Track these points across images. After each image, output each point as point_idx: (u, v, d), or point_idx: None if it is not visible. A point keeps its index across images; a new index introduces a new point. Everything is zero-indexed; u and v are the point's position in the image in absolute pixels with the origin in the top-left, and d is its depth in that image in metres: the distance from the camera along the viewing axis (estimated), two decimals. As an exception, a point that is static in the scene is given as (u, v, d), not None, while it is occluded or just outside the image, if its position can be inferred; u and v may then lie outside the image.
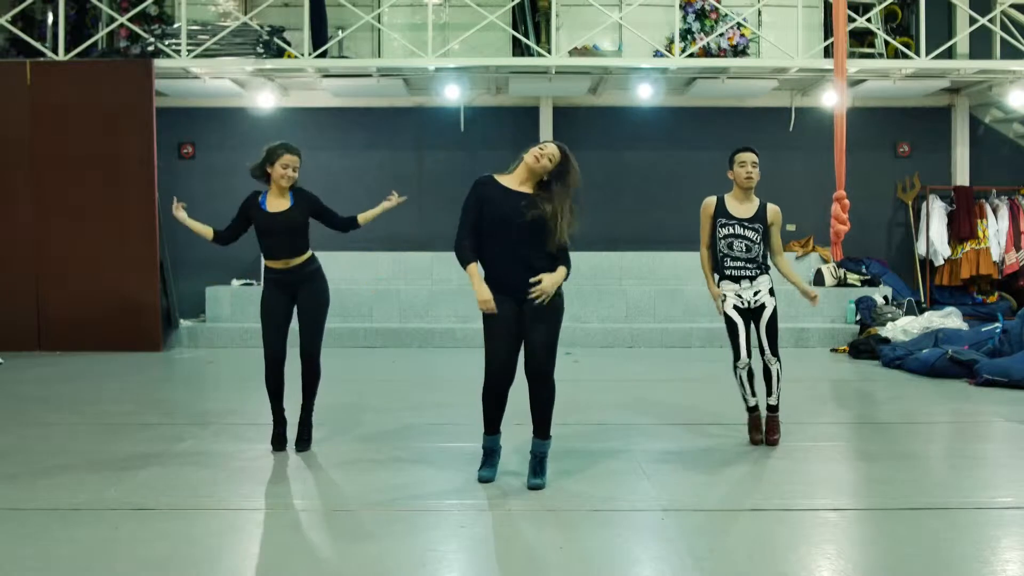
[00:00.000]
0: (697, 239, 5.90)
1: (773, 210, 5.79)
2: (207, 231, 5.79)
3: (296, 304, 5.67)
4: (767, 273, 5.77)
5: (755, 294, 5.70)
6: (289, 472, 5.22)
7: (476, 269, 4.75)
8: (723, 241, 5.70)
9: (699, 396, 7.46)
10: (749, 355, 5.71)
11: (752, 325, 5.72)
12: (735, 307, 5.70)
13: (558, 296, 4.78)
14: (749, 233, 5.68)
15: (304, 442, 5.67)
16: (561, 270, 4.80)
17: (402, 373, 9.29)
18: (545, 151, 4.82)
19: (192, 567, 3.65)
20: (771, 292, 5.75)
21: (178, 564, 3.66)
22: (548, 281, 4.69)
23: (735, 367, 5.75)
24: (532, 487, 4.71)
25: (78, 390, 8.19)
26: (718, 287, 5.78)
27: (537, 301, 4.67)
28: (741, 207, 5.72)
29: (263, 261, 5.75)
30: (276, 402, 5.63)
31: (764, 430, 5.83)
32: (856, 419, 7.11)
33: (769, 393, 5.82)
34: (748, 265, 5.69)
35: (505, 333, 4.70)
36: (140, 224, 10.82)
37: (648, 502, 4.54)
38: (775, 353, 5.74)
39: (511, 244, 4.72)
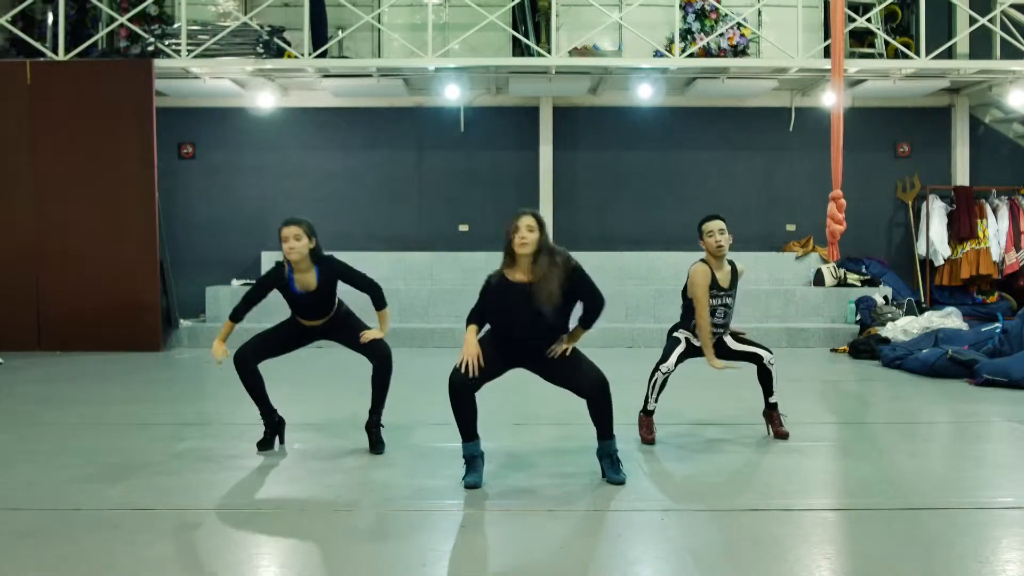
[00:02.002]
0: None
1: (741, 270, 6.01)
2: (228, 327, 5.74)
3: (334, 339, 5.70)
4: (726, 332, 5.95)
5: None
6: (289, 472, 5.22)
7: (475, 330, 4.89)
8: (719, 311, 5.81)
9: (698, 396, 7.45)
10: (675, 366, 5.81)
11: (718, 353, 5.84)
12: (686, 339, 5.85)
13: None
14: (728, 301, 5.84)
15: (379, 444, 5.59)
16: (577, 329, 5.04)
17: (402, 373, 9.27)
18: (522, 235, 4.83)
19: (192, 567, 3.65)
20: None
21: (178, 564, 3.66)
22: (564, 345, 4.94)
23: (658, 369, 5.79)
24: (616, 482, 4.81)
25: (78, 390, 8.19)
26: (676, 332, 5.91)
27: (555, 355, 4.87)
28: (720, 275, 5.82)
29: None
30: (258, 401, 5.62)
31: (774, 428, 5.96)
32: (856, 419, 7.11)
33: (770, 393, 5.93)
34: (718, 329, 5.83)
35: (485, 362, 4.77)
36: (140, 224, 10.83)
37: (648, 502, 4.54)
38: (769, 352, 5.88)
39: (508, 320, 4.87)
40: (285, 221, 5.55)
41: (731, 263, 5.92)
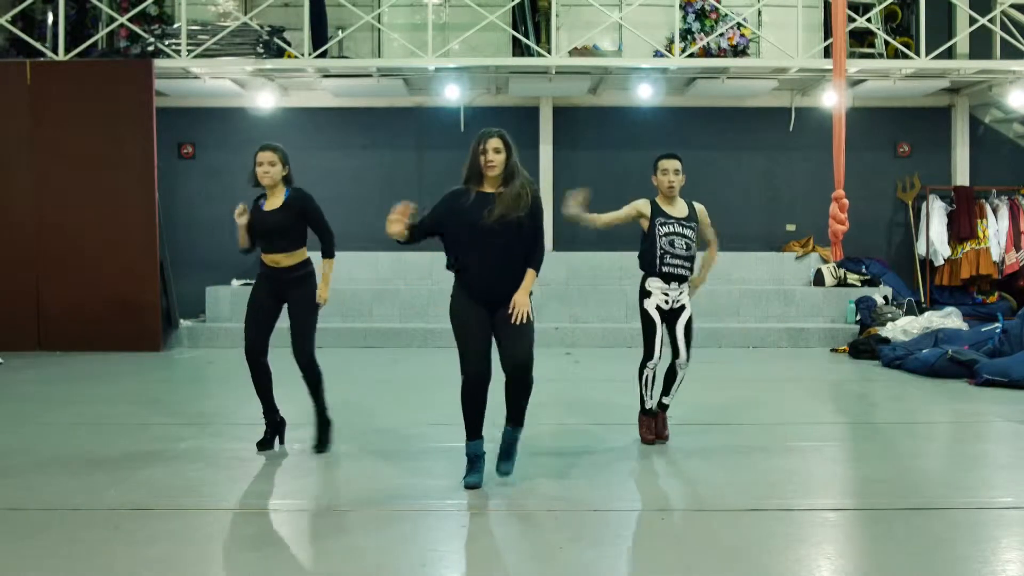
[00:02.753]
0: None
1: (701, 210, 5.93)
2: (244, 239, 5.73)
3: (287, 308, 5.62)
4: (690, 275, 5.81)
5: (679, 295, 5.72)
6: (289, 472, 5.22)
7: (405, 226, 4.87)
8: (664, 239, 5.69)
9: (698, 396, 7.45)
10: (660, 355, 5.72)
11: (667, 327, 5.73)
12: (657, 307, 5.70)
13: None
14: (688, 232, 5.74)
15: (323, 444, 5.61)
16: (529, 274, 4.76)
17: (402, 373, 9.29)
18: (490, 157, 4.72)
19: (192, 567, 3.65)
20: (688, 298, 5.79)
21: (178, 564, 3.66)
22: (521, 298, 4.69)
23: (645, 366, 5.73)
24: (504, 473, 4.78)
25: (78, 390, 8.19)
26: (646, 284, 5.73)
27: (519, 321, 4.66)
28: (673, 208, 5.79)
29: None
30: (263, 399, 5.61)
31: (656, 429, 5.81)
32: (856, 419, 7.11)
33: (667, 393, 5.84)
34: (685, 263, 5.71)
35: (478, 333, 4.70)
36: (140, 224, 10.82)
37: (648, 502, 4.54)
38: (688, 358, 5.77)
39: (482, 249, 4.70)
40: (261, 146, 5.69)
41: (690, 204, 5.85)
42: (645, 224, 5.78)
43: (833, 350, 11.03)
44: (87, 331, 10.65)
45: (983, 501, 4.56)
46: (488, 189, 4.77)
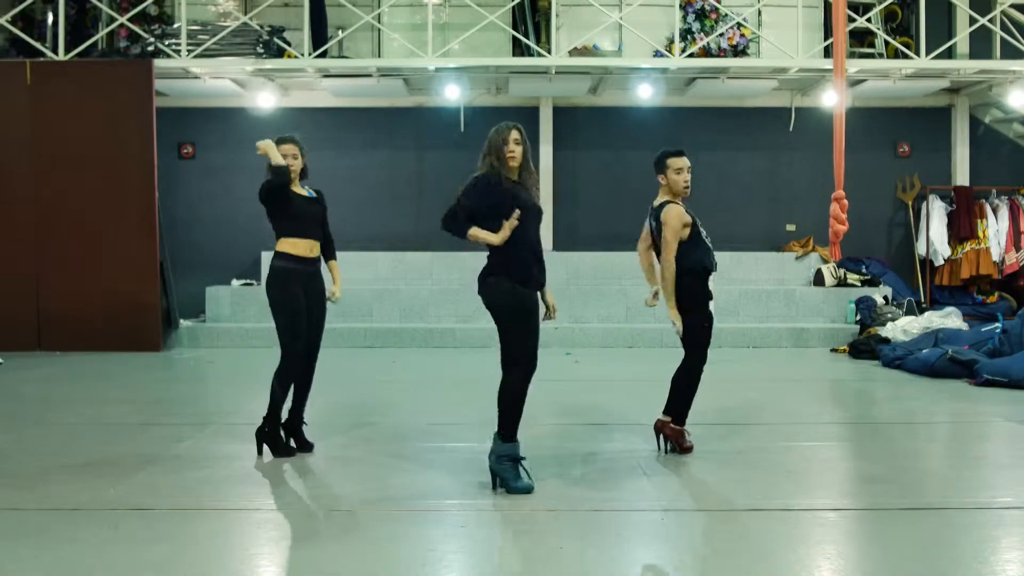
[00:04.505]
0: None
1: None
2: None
3: (314, 298, 5.62)
4: None
5: None
6: (288, 472, 5.21)
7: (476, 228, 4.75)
8: (709, 244, 5.42)
9: (698, 396, 7.45)
10: None
11: None
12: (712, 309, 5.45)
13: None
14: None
15: (309, 445, 5.60)
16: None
17: (402, 373, 9.29)
18: (511, 148, 4.79)
19: (192, 567, 3.65)
20: None
21: (178, 564, 3.66)
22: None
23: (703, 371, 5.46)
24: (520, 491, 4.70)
25: (78, 390, 8.19)
26: (709, 284, 5.40)
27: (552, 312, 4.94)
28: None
29: (283, 249, 5.50)
30: (283, 401, 5.51)
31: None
32: (856, 419, 7.12)
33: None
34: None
35: (538, 327, 4.75)
36: (140, 224, 10.82)
37: (648, 502, 4.54)
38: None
39: (528, 234, 4.76)
40: (281, 138, 5.62)
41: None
42: (686, 233, 5.36)
43: (833, 350, 11.03)
44: (87, 331, 10.65)
45: (983, 501, 4.56)
46: (515, 177, 4.85)
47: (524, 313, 4.69)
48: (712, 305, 5.43)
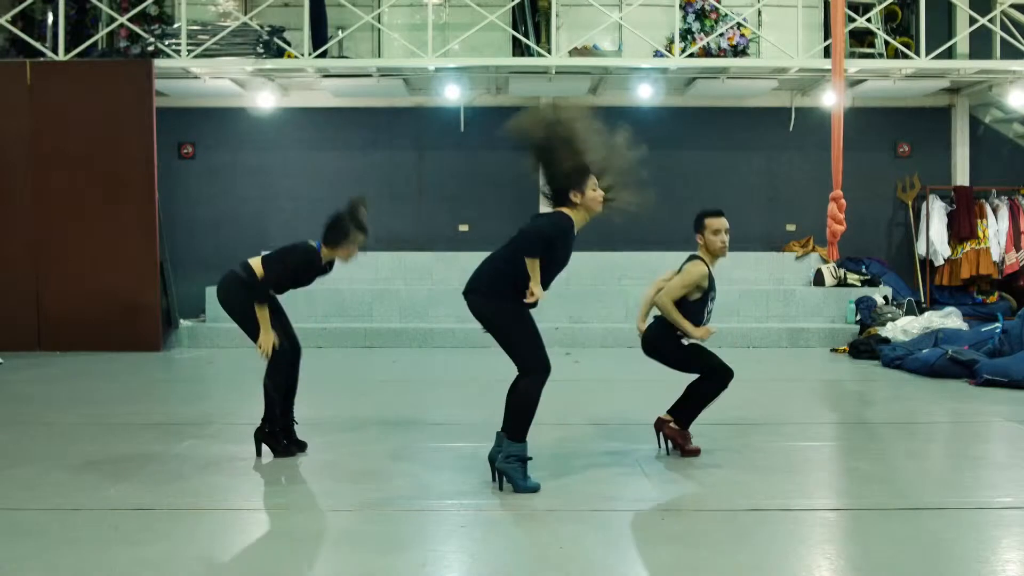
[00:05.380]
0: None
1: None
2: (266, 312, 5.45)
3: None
4: None
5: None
6: (288, 472, 5.22)
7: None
8: (708, 315, 5.42)
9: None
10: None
11: None
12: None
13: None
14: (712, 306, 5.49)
15: (302, 444, 5.60)
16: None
17: (402, 373, 9.29)
18: (600, 195, 4.81)
19: (192, 567, 3.65)
20: None
21: (178, 564, 3.66)
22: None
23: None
24: (528, 490, 4.70)
25: (78, 390, 8.20)
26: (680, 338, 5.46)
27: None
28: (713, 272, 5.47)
29: (258, 276, 5.52)
30: (278, 400, 5.51)
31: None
32: (856, 419, 7.11)
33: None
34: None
35: (538, 331, 4.77)
36: (140, 224, 10.83)
37: (648, 502, 4.54)
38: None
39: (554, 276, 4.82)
40: (366, 230, 5.45)
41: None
42: (695, 295, 5.35)
43: (833, 350, 11.03)
44: (87, 331, 10.66)
45: (983, 501, 4.56)
46: (580, 223, 4.82)
47: (525, 319, 4.70)
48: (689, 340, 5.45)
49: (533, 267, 4.61)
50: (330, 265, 5.61)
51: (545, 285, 4.71)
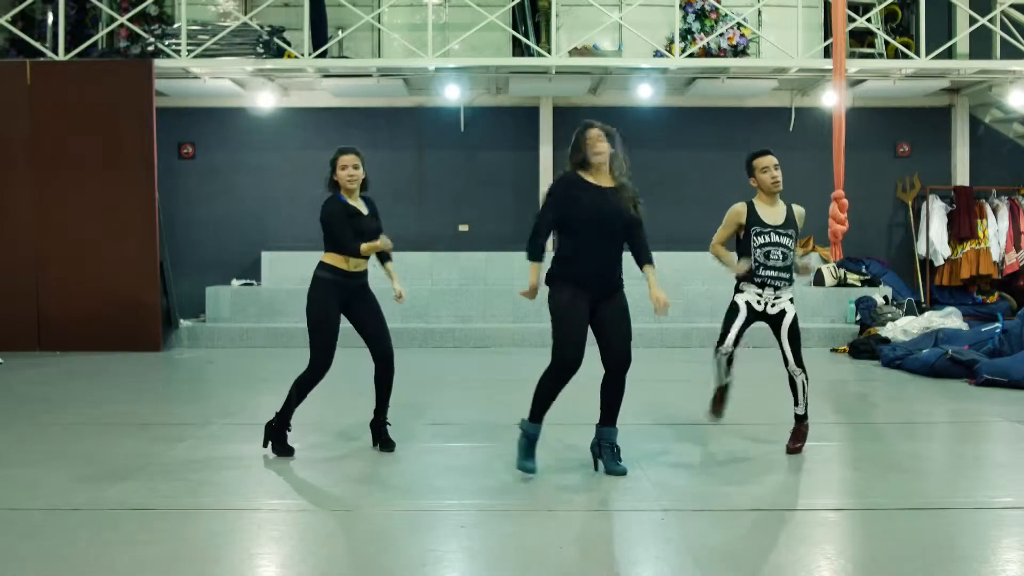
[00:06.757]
0: (706, 238, 5.70)
1: (800, 212, 5.61)
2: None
3: (352, 313, 5.63)
4: (792, 283, 5.52)
5: (776, 300, 5.43)
6: (288, 472, 5.21)
7: (537, 268, 4.88)
8: (760, 250, 5.39)
9: (699, 396, 7.44)
10: (735, 345, 5.50)
11: (773, 333, 5.49)
12: (747, 303, 5.45)
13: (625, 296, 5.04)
14: (785, 240, 5.42)
15: (391, 444, 5.58)
16: (654, 271, 5.08)
17: (402, 373, 9.26)
18: (596, 147, 4.81)
19: (192, 567, 3.65)
20: (791, 300, 5.48)
21: (178, 564, 3.66)
22: (663, 295, 4.98)
23: (717, 351, 5.49)
24: (618, 472, 4.88)
25: (77, 390, 8.19)
26: (739, 286, 5.49)
27: (661, 305, 4.96)
28: (772, 213, 5.49)
29: (328, 261, 5.51)
30: (295, 405, 5.50)
31: (790, 439, 5.57)
32: (856, 419, 7.11)
33: (796, 403, 5.53)
34: (783, 275, 5.41)
35: (581, 323, 4.87)
36: (140, 224, 10.82)
37: (648, 502, 4.54)
38: (799, 364, 5.43)
39: (601, 242, 4.81)
40: (343, 150, 5.57)
41: (789, 207, 5.57)
42: (740, 231, 5.49)
43: (833, 350, 11.03)
44: (87, 331, 10.65)
45: (983, 501, 4.56)
46: (602, 183, 4.85)
47: (564, 304, 4.83)
48: (742, 297, 5.49)
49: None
50: (362, 213, 5.57)
51: (584, 246, 4.79)
